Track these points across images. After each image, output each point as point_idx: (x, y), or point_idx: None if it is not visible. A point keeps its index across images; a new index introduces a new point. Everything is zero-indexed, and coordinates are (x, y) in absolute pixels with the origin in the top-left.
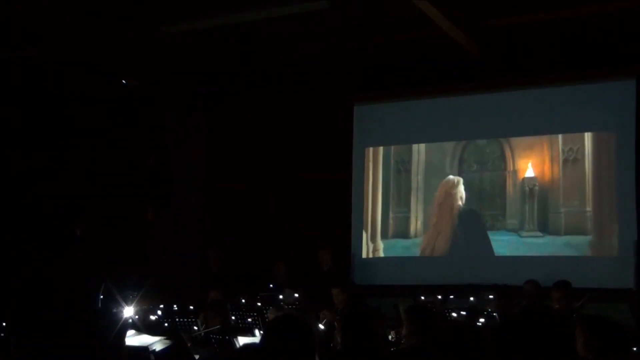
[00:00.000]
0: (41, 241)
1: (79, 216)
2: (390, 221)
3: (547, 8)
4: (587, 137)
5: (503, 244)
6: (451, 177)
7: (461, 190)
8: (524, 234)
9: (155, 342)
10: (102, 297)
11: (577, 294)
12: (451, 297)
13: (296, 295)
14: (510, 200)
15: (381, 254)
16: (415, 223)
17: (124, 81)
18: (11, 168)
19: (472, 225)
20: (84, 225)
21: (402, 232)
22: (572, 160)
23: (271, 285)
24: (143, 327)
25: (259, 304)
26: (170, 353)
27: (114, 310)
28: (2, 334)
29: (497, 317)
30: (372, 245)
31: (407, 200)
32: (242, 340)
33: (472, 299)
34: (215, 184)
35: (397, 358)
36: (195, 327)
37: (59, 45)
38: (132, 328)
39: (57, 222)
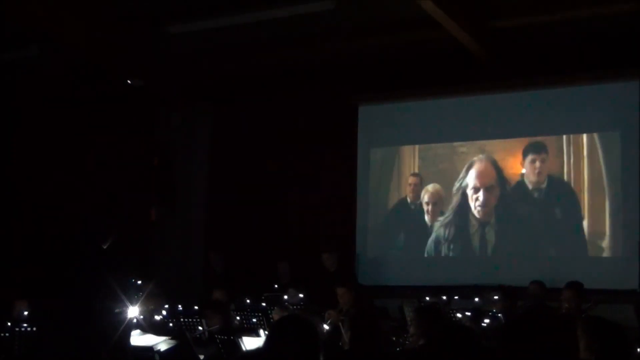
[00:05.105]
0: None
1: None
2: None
3: (551, 9)
4: (592, 137)
5: (507, 244)
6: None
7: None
8: (529, 234)
9: (160, 342)
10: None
11: (585, 295)
12: (456, 297)
13: (300, 295)
14: (514, 200)
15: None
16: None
17: (128, 81)
18: (13, 168)
19: (475, 224)
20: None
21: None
22: (576, 161)
23: (275, 286)
24: (148, 327)
25: (264, 304)
26: (174, 353)
27: (117, 311)
28: (7, 334)
29: (502, 317)
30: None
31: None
32: (246, 341)
33: (476, 299)
34: (220, 184)
35: (403, 358)
36: (200, 327)
37: (63, 45)
38: (136, 328)
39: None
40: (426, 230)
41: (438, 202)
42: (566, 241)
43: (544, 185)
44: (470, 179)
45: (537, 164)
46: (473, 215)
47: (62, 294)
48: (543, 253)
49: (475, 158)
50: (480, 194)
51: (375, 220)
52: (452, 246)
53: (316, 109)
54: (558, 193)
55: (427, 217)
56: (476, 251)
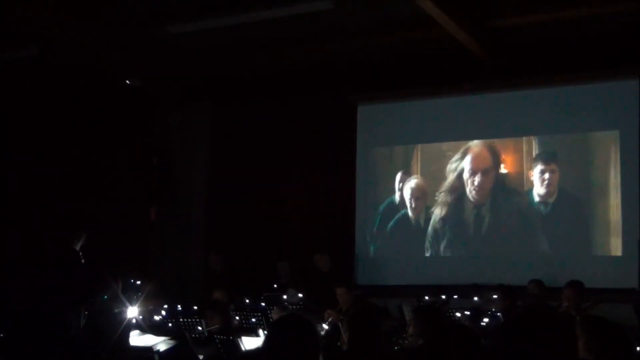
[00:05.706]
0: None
1: (81, 229)
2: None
3: (550, 8)
4: (591, 137)
5: (508, 243)
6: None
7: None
8: (529, 233)
9: (159, 343)
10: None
11: (585, 294)
12: (455, 297)
13: (300, 295)
14: (513, 199)
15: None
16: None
17: (127, 81)
18: (13, 169)
19: (475, 224)
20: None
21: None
22: (576, 160)
23: (275, 286)
24: (147, 327)
25: (263, 304)
26: (174, 353)
27: (116, 311)
28: (5, 334)
29: (501, 317)
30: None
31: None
32: (246, 341)
33: (475, 299)
34: (219, 184)
35: (402, 358)
36: (199, 328)
37: (62, 45)
38: (136, 328)
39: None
40: (424, 229)
41: (421, 197)
42: (566, 240)
43: (553, 198)
44: (466, 163)
45: (547, 174)
46: (472, 213)
47: (33, 294)
48: (544, 252)
49: (470, 143)
50: (477, 178)
51: (375, 219)
52: (448, 234)
53: (316, 108)
54: (558, 192)
55: (410, 213)
56: (476, 250)
